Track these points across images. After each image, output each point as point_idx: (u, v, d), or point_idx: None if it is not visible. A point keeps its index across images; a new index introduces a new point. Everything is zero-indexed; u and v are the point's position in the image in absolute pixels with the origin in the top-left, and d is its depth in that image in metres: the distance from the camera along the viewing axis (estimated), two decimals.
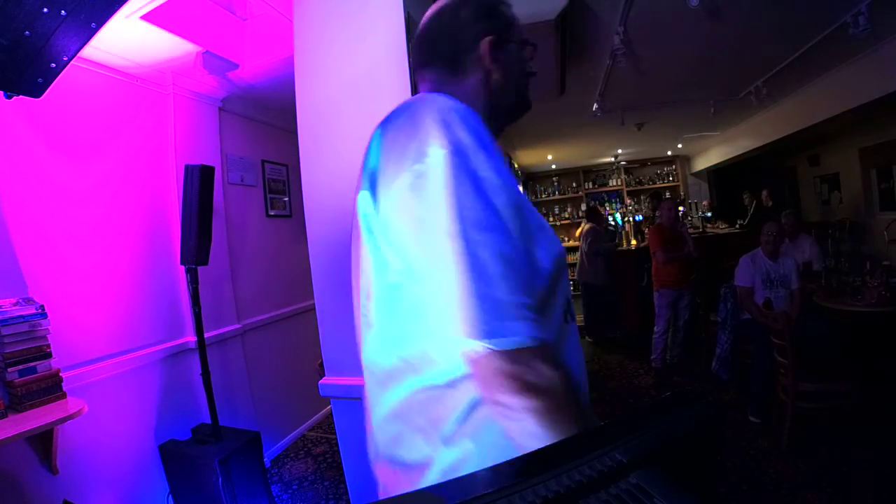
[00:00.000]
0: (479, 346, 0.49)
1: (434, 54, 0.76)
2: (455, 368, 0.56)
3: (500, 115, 0.76)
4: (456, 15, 0.75)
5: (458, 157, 0.54)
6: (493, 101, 0.74)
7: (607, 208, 8.19)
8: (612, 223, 6.67)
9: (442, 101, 0.60)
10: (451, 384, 0.58)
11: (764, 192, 5.71)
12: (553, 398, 0.50)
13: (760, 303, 3.00)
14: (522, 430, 0.50)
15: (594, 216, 5.16)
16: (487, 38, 0.72)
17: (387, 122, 0.63)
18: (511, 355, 0.50)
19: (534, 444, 0.49)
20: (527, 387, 0.49)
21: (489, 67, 0.73)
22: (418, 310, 0.58)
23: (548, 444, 0.48)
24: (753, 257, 3.14)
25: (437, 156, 0.54)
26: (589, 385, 0.75)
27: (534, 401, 0.49)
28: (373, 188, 0.60)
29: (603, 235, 5.06)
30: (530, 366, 0.50)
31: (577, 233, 5.53)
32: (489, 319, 0.49)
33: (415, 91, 1.53)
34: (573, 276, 5.37)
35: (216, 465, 2.03)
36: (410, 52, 0.82)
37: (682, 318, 3.87)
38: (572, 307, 0.70)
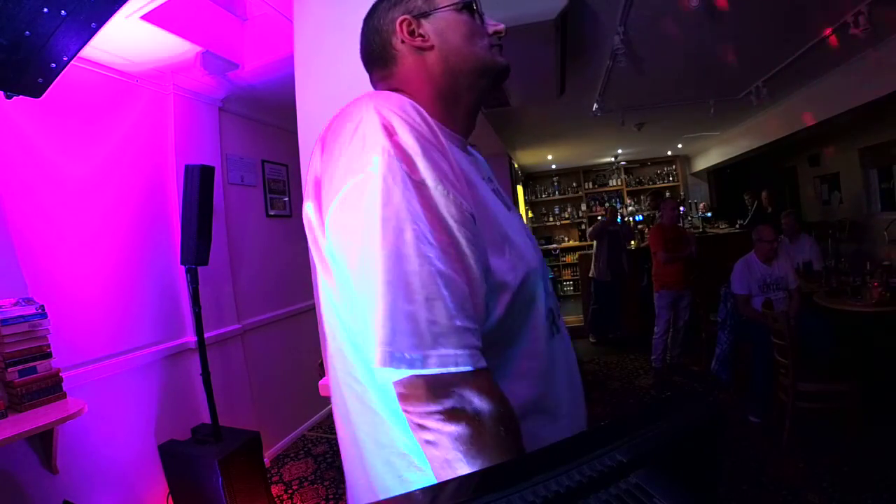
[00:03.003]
0: (402, 372, 0.47)
1: (370, 56, 0.73)
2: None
3: (463, 88, 0.69)
4: (375, 10, 0.72)
5: (401, 163, 0.50)
6: (443, 79, 0.68)
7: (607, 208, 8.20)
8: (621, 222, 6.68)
9: (382, 101, 0.55)
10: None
11: (763, 194, 5.71)
12: (478, 428, 0.46)
13: (760, 305, 2.99)
14: (441, 457, 0.47)
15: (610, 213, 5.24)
16: (399, 18, 0.68)
17: (327, 128, 0.59)
18: (436, 379, 0.47)
19: (449, 473, 0.46)
20: (449, 414, 0.46)
21: (417, 45, 0.68)
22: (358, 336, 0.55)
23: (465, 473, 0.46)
24: (747, 263, 3.12)
25: (376, 164, 0.50)
26: (586, 388, 0.72)
27: (457, 427, 0.46)
28: (317, 199, 0.57)
29: (601, 227, 4.99)
30: (455, 392, 0.47)
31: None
32: (412, 343, 0.46)
33: None
34: (571, 276, 5.34)
35: (216, 465, 2.03)
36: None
37: (681, 319, 3.86)
38: (558, 319, 0.68)
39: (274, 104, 3.10)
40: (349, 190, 0.51)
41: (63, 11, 1.31)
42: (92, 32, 1.41)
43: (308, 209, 0.59)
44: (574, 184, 8.61)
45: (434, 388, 0.47)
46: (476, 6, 0.70)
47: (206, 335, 2.28)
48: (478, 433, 0.46)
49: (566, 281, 7.96)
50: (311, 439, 3.32)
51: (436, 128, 0.56)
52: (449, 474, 0.46)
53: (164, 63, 2.37)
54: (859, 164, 5.50)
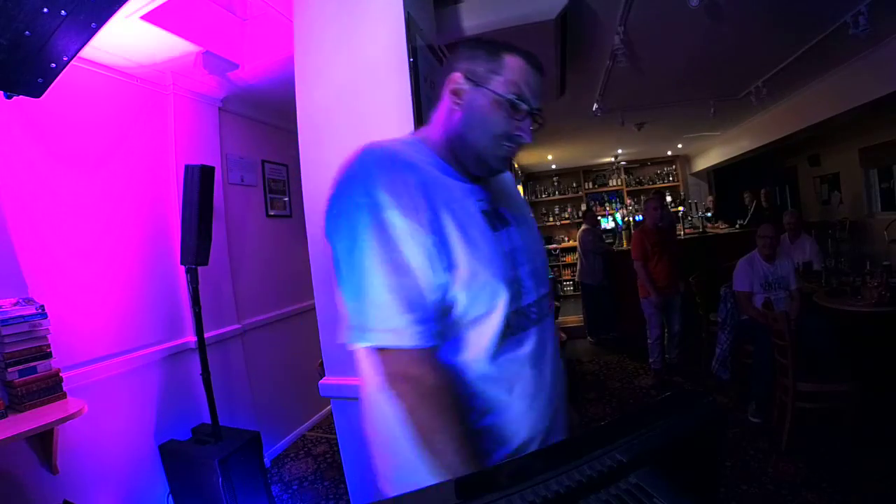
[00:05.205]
0: (360, 344, 0.68)
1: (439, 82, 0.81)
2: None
3: (458, 156, 0.77)
4: (456, 50, 0.79)
5: (376, 209, 0.66)
6: (450, 137, 0.76)
7: (607, 208, 8.20)
8: (612, 223, 6.75)
9: (367, 158, 0.71)
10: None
11: (763, 192, 5.73)
12: (418, 388, 0.65)
13: (760, 304, 3.00)
14: (397, 410, 0.66)
15: (589, 217, 5.34)
16: (457, 72, 0.75)
17: (336, 177, 0.74)
18: (385, 352, 0.66)
19: (401, 428, 0.66)
20: (393, 376, 0.66)
21: (451, 99, 0.76)
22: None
23: (414, 426, 0.65)
24: (751, 261, 3.13)
25: (359, 209, 0.68)
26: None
27: (401, 386, 0.66)
28: (327, 225, 0.74)
29: (599, 236, 5.16)
30: (399, 360, 0.65)
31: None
32: (364, 326, 0.66)
33: (416, 91, 1.54)
34: (571, 276, 5.38)
35: (216, 465, 2.03)
36: None
37: (675, 326, 3.82)
38: (522, 320, 0.76)
39: (274, 104, 3.10)
40: (344, 221, 0.71)
41: (63, 11, 1.31)
42: (92, 32, 1.41)
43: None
44: (574, 184, 8.61)
45: (382, 356, 0.67)
46: (517, 109, 0.73)
47: (206, 335, 2.28)
48: (418, 394, 0.65)
49: (566, 281, 7.96)
50: (311, 439, 3.32)
51: (413, 176, 0.70)
52: (401, 428, 0.67)
53: (164, 63, 2.37)
54: (859, 164, 5.51)
